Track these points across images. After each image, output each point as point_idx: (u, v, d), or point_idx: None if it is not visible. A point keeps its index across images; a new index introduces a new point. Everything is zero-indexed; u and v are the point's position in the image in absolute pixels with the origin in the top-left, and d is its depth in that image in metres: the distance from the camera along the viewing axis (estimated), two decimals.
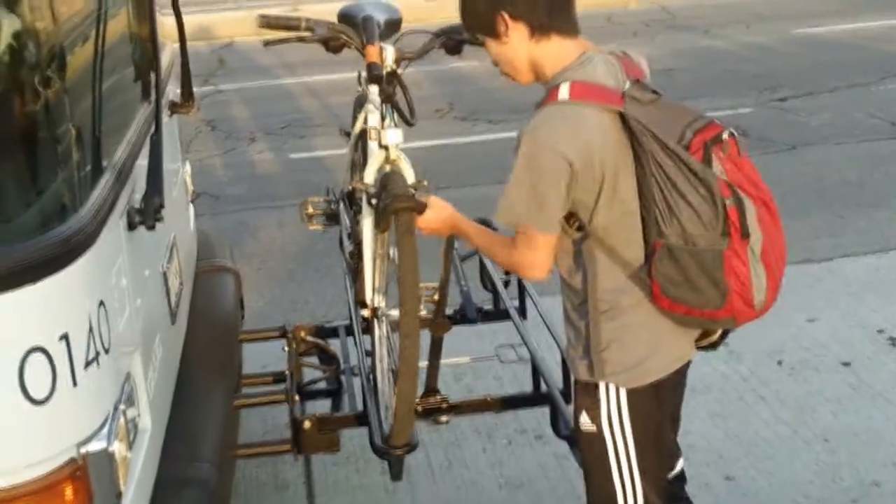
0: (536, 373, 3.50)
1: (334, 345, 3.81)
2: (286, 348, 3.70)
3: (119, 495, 2.12)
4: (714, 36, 11.61)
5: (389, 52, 3.16)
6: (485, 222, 2.78)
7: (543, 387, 3.46)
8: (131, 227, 2.45)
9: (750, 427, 4.05)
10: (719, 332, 2.56)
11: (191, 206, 3.90)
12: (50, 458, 1.94)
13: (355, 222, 3.61)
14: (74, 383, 1.95)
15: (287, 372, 3.52)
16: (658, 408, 2.57)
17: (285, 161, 8.14)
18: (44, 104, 2.07)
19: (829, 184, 6.81)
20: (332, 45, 3.32)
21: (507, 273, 3.90)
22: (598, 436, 2.56)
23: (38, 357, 1.88)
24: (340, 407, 3.49)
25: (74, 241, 1.98)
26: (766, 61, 10.21)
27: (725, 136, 2.37)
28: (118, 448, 2.09)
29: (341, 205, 3.90)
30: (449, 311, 3.54)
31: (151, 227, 2.45)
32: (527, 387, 3.65)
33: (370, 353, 3.35)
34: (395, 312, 2.90)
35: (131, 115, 2.81)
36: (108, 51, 2.51)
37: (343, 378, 3.57)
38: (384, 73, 3.11)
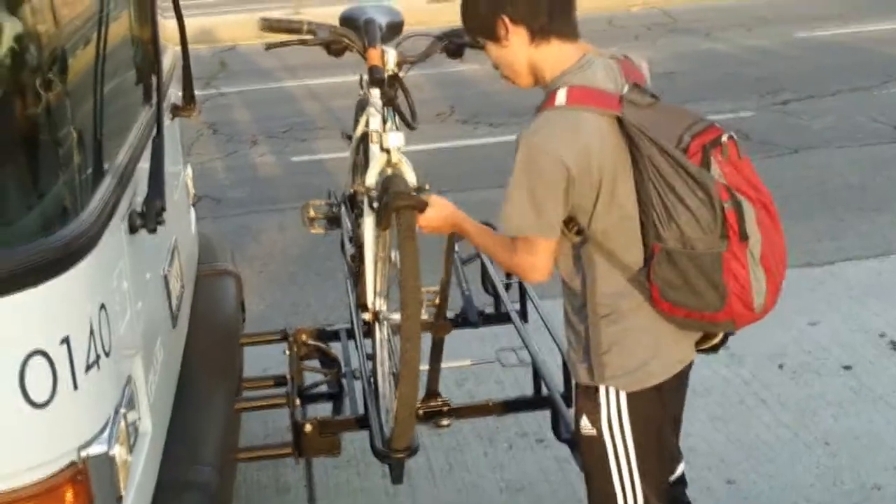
0: (538, 376, 3.50)
1: (335, 348, 3.81)
2: (287, 352, 3.70)
3: (119, 499, 2.12)
4: (715, 39, 11.62)
5: (391, 56, 3.16)
6: (487, 224, 2.78)
7: (545, 390, 3.46)
8: (133, 230, 2.45)
9: (751, 430, 4.05)
10: (720, 335, 2.56)
11: (192, 209, 3.90)
12: (50, 462, 1.94)
13: (357, 225, 3.61)
14: (75, 387, 1.95)
15: (288, 375, 3.52)
16: (658, 411, 2.57)
17: (287, 164, 8.15)
18: (45, 107, 2.07)
19: (831, 187, 6.81)
20: (334, 48, 3.32)
21: (508, 276, 3.90)
22: (599, 439, 2.56)
23: (38, 360, 1.88)
24: (341, 410, 3.49)
25: (76, 245, 1.98)
26: (768, 65, 10.22)
27: (725, 139, 2.36)
28: (119, 451, 2.08)
29: (343, 208, 3.90)
30: (450, 314, 3.54)
31: (153, 231, 2.45)
32: (528, 390, 3.64)
33: (371, 357, 3.35)
34: (396, 316, 2.90)
35: (133, 118, 2.81)
36: (109, 54, 2.51)
37: (344, 381, 3.57)
38: (386, 76, 3.11)
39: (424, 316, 3.11)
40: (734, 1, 13.86)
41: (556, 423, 3.34)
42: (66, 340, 1.93)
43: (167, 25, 3.38)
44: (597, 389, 2.53)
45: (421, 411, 3.26)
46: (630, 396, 2.51)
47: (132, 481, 2.24)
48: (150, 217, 2.43)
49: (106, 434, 2.04)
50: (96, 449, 2.01)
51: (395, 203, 2.78)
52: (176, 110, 3.46)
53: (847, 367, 4.46)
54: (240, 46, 12.69)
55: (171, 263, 3.04)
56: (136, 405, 2.36)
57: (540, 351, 3.55)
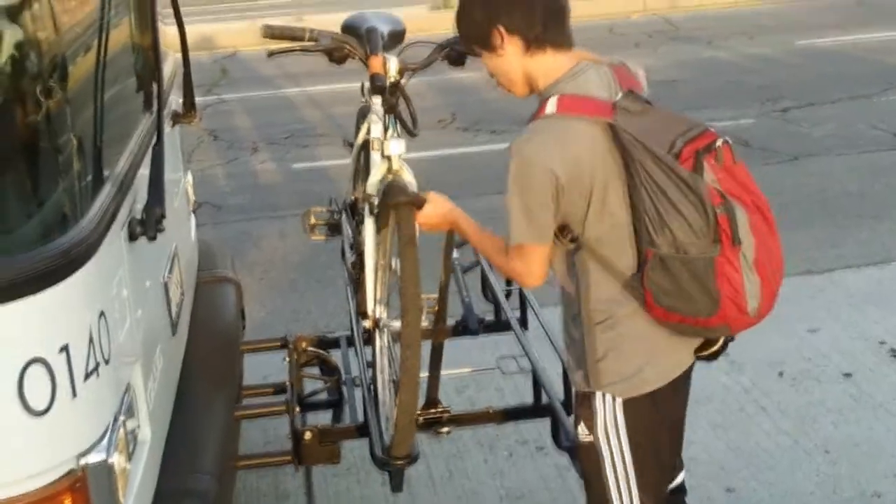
0: (538, 384, 3.49)
1: (335, 355, 3.81)
2: (287, 359, 3.69)
3: None
4: (717, 47, 11.62)
5: (393, 63, 3.16)
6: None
7: (545, 398, 3.46)
8: (132, 237, 2.45)
9: (751, 438, 4.05)
10: (720, 341, 2.56)
11: (192, 216, 3.90)
12: (49, 470, 1.94)
13: (357, 233, 3.61)
14: (74, 394, 1.95)
15: (288, 383, 3.51)
16: (655, 417, 2.57)
17: (288, 171, 8.15)
18: (45, 114, 2.08)
19: (831, 195, 6.81)
20: (336, 55, 3.32)
21: (508, 284, 3.90)
22: (595, 446, 2.56)
23: (37, 368, 1.88)
24: (341, 418, 3.48)
25: (75, 252, 1.98)
26: (768, 72, 10.22)
27: (719, 143, 2.37)
28: (118, 459, 2.08)
29: (344, 215, 3.91)
30: (450, 321, 3.54)
31: (153, 238, 2.45)
32: (528, 398, 3.64)
33: (371, 364, 3.35)
34: (396, 323, 2.90)
35: (133, 125, 2.82)
36: (110, 61, 2.51)
37: (344, 389, 3.57)
38: (387, 83, 3.12)
39: (424, 323, 3.11)
40: (736, 9, 13.89)
41: (557, 431, 3.33)
42: (65, 348, 1.93)
43: (168, 32, 3.38)
44: (593, 396, 2.53)
45: (421, 419, 3.26)
46: (626, 403, 2.51)
47: (131, 489, 2.24)
48: (149, 224, 2.43)
49: (105, 442, 2.04)
50: (95, 457, 2.01)
51: (393, 200, 2.80)
52: (177, 117, 3.46)
53: (847, 375, 4.46)
54: (241, 53, 12.70)
55: (171, 271, 3.04)
56: (136, 413, 2.36)
57: (540, 359, 3.55)
